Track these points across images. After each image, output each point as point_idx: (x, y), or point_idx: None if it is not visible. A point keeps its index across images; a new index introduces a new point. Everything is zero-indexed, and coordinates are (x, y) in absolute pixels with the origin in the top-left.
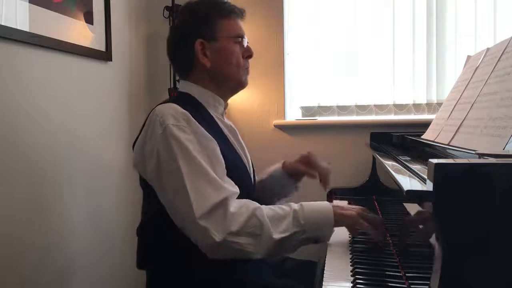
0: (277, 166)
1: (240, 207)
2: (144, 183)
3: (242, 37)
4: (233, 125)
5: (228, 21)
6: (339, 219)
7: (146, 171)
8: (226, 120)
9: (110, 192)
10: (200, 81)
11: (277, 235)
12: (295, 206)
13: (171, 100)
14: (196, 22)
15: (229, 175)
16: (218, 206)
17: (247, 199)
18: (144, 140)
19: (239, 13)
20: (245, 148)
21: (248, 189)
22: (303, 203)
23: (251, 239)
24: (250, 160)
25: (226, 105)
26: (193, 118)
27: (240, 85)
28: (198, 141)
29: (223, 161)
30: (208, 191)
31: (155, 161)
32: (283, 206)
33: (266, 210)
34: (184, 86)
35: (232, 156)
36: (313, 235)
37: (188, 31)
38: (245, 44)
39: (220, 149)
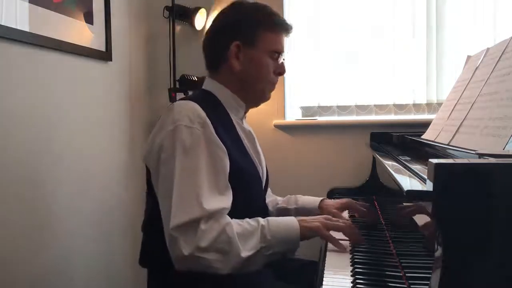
0: (312, 202)
1: (212, 224)
2: (150, 179)
3: (279, 53)
4: (252, 131)
5: (272, 34)
6: (305, 233)
7: (151, 164)
8: (245, 125)
9: (109, 192)
10: (226, 81)
11: (245, 253)
12: (262, 221)
13: (193, 96)
14: (240, 24)
15: (239, 181)
16: (194, 222)
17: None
18: (155, 134)
19: (287, 29)
20: (261, 155)
21: (257, 198)
22: (270, 218)
23: (219, 256)
24: (265, 168)
25: (247, 110)
26: (209, 122)
27: (262, 98)
28: (207, 148)
29: (227, 171)
30: (191, 205)
31: (156, 157)
32: (251, 222)
33: (236, 226)
34: (209, 85)
35: (245, 163)
36: (279, 250)
37: (229, 29)
38: (280, 61)
39: (233, 155)
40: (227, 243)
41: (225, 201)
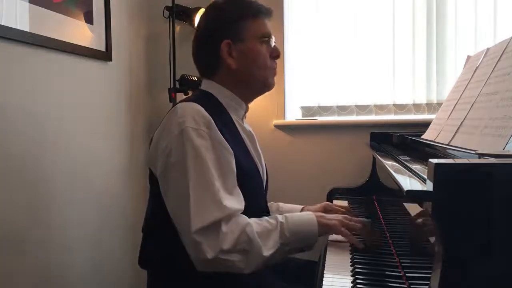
0: (296, 209)
1: (232, 225)
2: (153, 181)
3: (268, 36)
4: (252, 131)
5: (255, 20)
6: (323, 229)
7: (156, 168)
8: (245, 125)
9: (109, 192)
10: (224, 82)
11: (266, 252)
12: (280, 218)
13: (194, 97)
14: (223, 22)
15: (242, 182)
16: (215, 224)
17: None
18: (159, 137)
19: (266, 12)
20: (261, 155)
21: (258, 199)
22: (287, 214)
23: (242, 256)
24: (265, 168)
25: (247, 109)
26: (213, 122)
27: (266, 86)
28: (215, 149)
29: (235, 172)
30: (210, 207)
31: (164, 161)
32: (270, 220)
33: (255, 225)
34: (207, 86)
35: (247, 163)
36: (298, 246)
37: (214, 31)
38: (272, 44)
39: (236, 155)
40: (248, 244)
41: (239, 202)
